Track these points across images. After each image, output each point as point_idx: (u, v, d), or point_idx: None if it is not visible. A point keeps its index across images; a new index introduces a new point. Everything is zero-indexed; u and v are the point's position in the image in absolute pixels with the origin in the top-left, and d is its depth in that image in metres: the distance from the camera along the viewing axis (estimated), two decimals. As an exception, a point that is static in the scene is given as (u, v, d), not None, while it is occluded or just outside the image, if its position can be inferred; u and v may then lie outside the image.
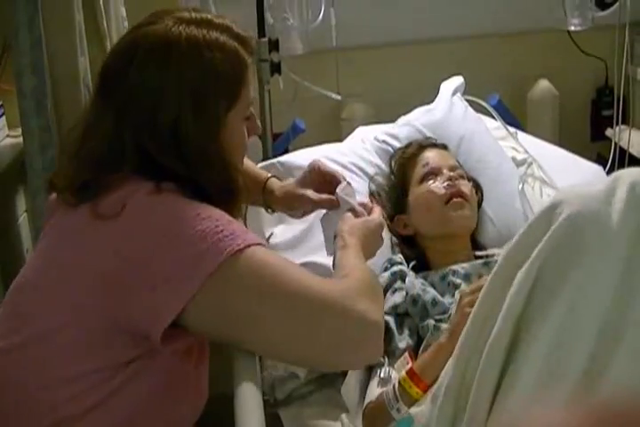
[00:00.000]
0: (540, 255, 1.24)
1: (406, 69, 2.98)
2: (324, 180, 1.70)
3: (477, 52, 3.05)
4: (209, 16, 1.39)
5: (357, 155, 2.16)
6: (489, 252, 2.04)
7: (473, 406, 1.30)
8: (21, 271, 1.39)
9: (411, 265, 1.96)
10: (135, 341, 1.25)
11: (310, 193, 1.69)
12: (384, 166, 2.15)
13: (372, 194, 2.08)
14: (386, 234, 2.01)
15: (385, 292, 1.88)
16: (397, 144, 2.18)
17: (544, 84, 3.15)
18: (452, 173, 1.96)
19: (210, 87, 1.33)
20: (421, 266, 1.99)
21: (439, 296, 1.84)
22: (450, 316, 1.81)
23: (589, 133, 3.43)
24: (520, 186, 2.17)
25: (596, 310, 1.22)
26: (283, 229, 2.01)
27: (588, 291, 1.22)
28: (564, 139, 3.11)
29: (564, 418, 0.73)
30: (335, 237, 1.54)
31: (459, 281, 1.89)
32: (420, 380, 1.58)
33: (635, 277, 1.23)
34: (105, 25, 2.07)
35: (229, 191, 1.37)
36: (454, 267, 1.91)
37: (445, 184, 1.95)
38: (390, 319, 1.82)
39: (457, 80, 2.36)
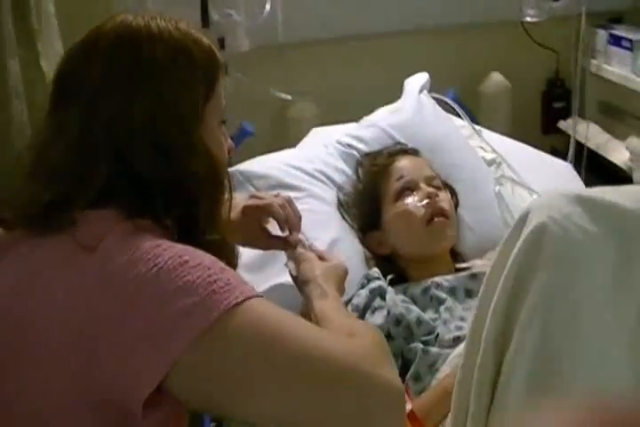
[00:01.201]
0: (513, 267, 1.17)
1: (355, 65, 2.83)
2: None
3: (428, 46, 2.93)
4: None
5: (322, 161, 1.98)
6: (470, 264, 1.89)
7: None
8: None
9: (388, 279, 1.79)
10: (109, 417, 1.04)
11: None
12: (350, 172, 1.98)
13: (341, 205, 1.91)
14: (359, 248, 1.87)
15: (364, 311, 1.71)
16: (363, 147, 2.01)
17: (497, 77, 3.05)
18: (429, 189, 1.81)
19: (186, 71, 1.17)
20: (399, 279, 1.84)
21: (423, 315, 1.69)
22: (437, 336, 1.66)
23: (540, 126, 3.34)
24: (497, 188, 2.03)
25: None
26: (247, 249, 1.81)
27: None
28: (516, 132, 3.00)
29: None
30: (306, 281, 1.40)
31: (443, 296, 1.74)
32: (422, 425, 1.42)
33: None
34: (37, 26, 1.85)
35: (215, 186, 1.20)
36: (437, 279, 1.76)
37: (425, 202, 1.79)
38: None
39: (422, 77, 2.20)
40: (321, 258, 1.47)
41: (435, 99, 2.19)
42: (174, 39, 1.18)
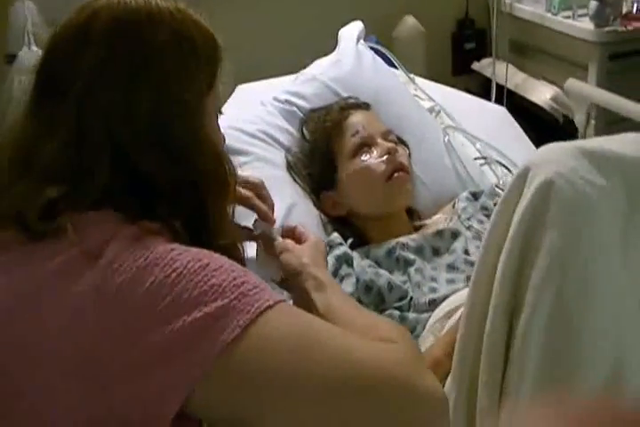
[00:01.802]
0: (520, 227, 1.10)
1: (260, 17, 2.69)
2: None
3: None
4: None
5: (263, 120, 1.84)
6: (430, 221, 1.81)
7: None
8: None
9: (348, 243, 1.69)
10: None
11: None
12: (294, 131, 1.85)
13: (290, 167, 1.78)
14: (315, 212, 1.75)
15: None
16: (304, 104, 1.88)
17: (410, 21, 2.95)
18: (389, 145, 1.70)
19: (191, 57, 1.04)
20: (358, 241, 1.73)
21: (394, 279, 1.59)
22: (411, 299, 1.57)
23: (451, 68, 3.28)
24: (446, 138, 1.94)
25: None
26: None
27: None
28: (429, 76, 2.92)
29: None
30: (296, 273, 1.25)
31: (411, 256, 1.64)
32: None
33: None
34: None
35: (223, 182, 1.07)
36: (402, 240, 1.67)
37: (385, 158, 1.68)
38: None
39: (357, 26, 2.07)
40: (296, 239, 1.33)
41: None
42: (176, 21, 1.03)
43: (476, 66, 3.14)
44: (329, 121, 1.74)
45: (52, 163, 0.98)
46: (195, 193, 1.03)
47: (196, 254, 0.94)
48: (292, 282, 1.25)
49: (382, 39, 2.88)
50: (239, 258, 1.10)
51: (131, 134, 0.99)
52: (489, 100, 2.85)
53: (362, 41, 2.03)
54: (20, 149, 1.01)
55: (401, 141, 1.80)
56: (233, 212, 1.15)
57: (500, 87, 2.91)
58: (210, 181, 1.05)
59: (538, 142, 2.23)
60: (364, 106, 1.80)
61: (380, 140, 1.71)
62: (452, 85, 2.80)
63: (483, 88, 3.12)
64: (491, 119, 2.19)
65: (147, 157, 1.00)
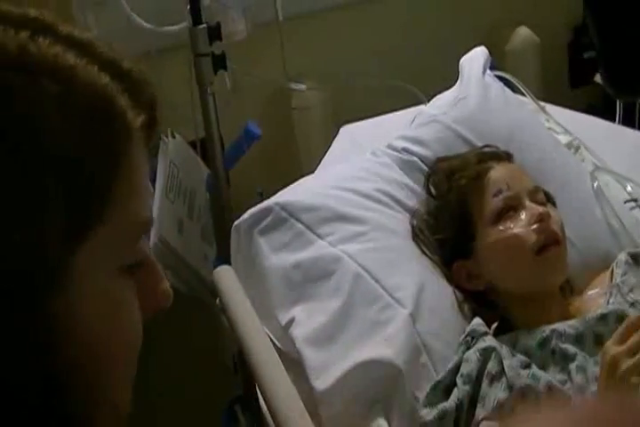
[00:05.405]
0: None
1: (358, 37, 2.39)
2: None
3: (441, 3, 2.51)
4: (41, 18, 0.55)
5: (379, 176, 1.53)
6: (584, 296, 1.47)
7: None
8: None
9: (492, 329, 1.39)
10: None
11: None
12: (416, 187, 1.53)
13: (416, 235, 1.46)
14: (449, 291, 1.44)
15: (478, 380, 1.29)
16: (425, 152, 1.56)
17: (524, 31, 2.61)
18: (540, 209, 1.38)
19: (31, 192, 0.50)
20: (501, 325, 1.42)
21: (553, 380, 1.28)
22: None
23: (568, 80, 2.93)
24: (595, 184, 1.60)
25: None
26: (307, 311, 1.35)
27: None
28: (546, 92, 2.59)
29: None
30: None
31: (572, 350, 1.33)
32: None
33: None
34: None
35: None
36: (558, 326, 1.35)
37: (535, 226, 1.37)
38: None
39: (481, 53, 1.72)
40: None
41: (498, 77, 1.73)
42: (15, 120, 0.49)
43: (598, 78, 2.77)
44: (465, 177, 1.42)
45: None
46: None
47: None
48: None
49: (494, 54, 2.57)
50: None
51: None
52: (614, 115, 2.51)
53: (488, 71, 1.69)
54: None
55: (548, 198, 1.47)
56: None
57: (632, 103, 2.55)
58: None
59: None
60: (506, 156, 1.48)
61: (527, 202, 1.39)
62: (572, 100, 2.49)
63: (606, 102, 2.77)
64: (631, 149, 1.84)
65: None
